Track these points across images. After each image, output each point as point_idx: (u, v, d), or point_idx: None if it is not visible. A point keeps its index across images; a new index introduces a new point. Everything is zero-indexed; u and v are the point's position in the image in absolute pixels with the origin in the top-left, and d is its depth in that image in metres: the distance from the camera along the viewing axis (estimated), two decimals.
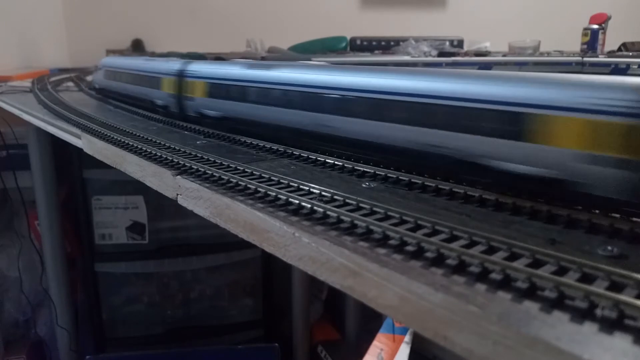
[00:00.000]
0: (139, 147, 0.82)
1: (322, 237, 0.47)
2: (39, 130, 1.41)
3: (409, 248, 0.43)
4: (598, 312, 0.33)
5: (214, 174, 0.66)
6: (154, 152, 0.79)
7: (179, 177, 0.69)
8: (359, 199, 0.54)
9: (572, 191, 0.47)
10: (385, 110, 0.64)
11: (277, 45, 2.68)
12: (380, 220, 0.49)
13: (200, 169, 0.68)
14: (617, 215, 0.48)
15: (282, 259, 0.52)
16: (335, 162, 0.71)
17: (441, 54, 2.24)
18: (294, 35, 2.78)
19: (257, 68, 0.88)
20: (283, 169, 0.71)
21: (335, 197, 0.55)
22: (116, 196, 1.75)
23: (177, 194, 0.69)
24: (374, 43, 2.81)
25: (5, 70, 2.25)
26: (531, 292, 0.36)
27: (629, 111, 0.43)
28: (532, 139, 0.49)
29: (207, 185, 0.64)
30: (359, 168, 0.68)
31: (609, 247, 0.42)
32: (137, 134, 0.93)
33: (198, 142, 0.90)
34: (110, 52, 2.86)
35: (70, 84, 2.00)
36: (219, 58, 2.01)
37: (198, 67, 1.02)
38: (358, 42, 2.84)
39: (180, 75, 1.05)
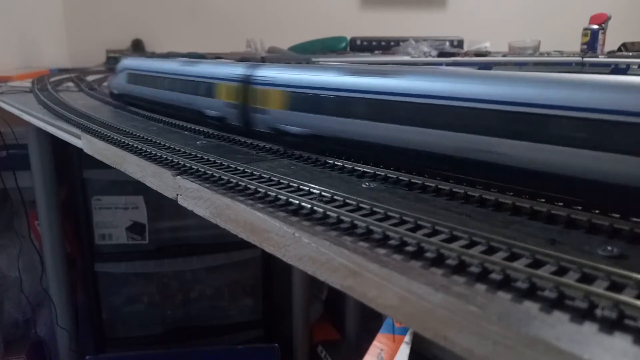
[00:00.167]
0: (139, 147, 0.82)
1: (322, 237, 0.47)
2: (39, 130, 1.41)
3: (409, 248, 0.43)
4: (598, 312, 0.33)
5: (214, 174, 0.66)
6: (154, 152, 0.79)
7: (179, 177, 0.69)
8: (359, 199, 0.54)
9: None
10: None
11: (277, 45, 2.68)
12: (380, 220, 0.49)
13: (200, 169, 0.68)
14: (617, 216, 0.48)
15: (282, 259, 0.52)
16: (335, 162, 0.71)
17: (441, 54, 2.24)
18: (294, 35, 2.79)
19: (370, 75, 0.69)
20: (283, 169, 0.71)
21: (335, 197, 0.55)
22: (116, 196, 1.75)
23: (177, 194, 0.69)
24: (374, 43, 2.81)
25: (5, 70, 2.25)
26: (531, 292, 0.36)
27: None
28: None
29: (207, 185, 0.64)
30: (359, 168, 0.68)
31: (609, 247, 0.42)
32: (137, 134, 0.93)
33: (198, 142, 0.90)
34: (110, 52, 2.86)
35: (71, 84, 2.00)
36: (218, 58, 2.01)
37: (272, 73, 0.83)
38: (358, 42, 2.84)
39: (246, 81, 0.87)
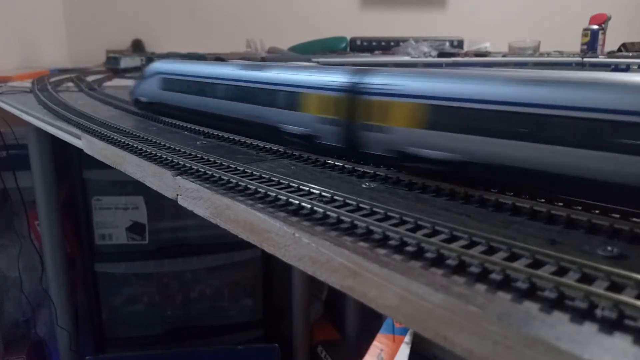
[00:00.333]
0: (139, 147, 0.82)
1: (322, 237, 0.47)
2: (39, 130, 1.41)
3: (409, 248, 0.43)
4: (598, 312, 0.33)
5: (214, 174, 0.66)
6: (154, 152, 0.79)
7: (179, 177, 0.69)
8: (359, 199, 0.54)
9: None
10: None
11: (277, 45, 2.68)
12: (380, 220, 0.49)
13: (200, 169, 0.68)
14: (617, 216, 0.48)
15: (282, 259, 0.52)
16: (336, 163, 0.71)
17: (441, 54, 2.25)
18: (294, 35, 2.79)
19: (571, 85, 0.50)
20: (283, 169, 0.71)
21: (335, 197, 0.55)
22: (116, 196, 1.75)
23: (177, 195, 0.69)
24: (374, 43, 2.81)
25: (5, 71, 2.25)
26: (531, 293, 0.36)
27: None
28: None
29: (207, 185, 0.64)
30: (359, 168, 0.68)
31: (609, 248, 0.42)
32: (137, 134, 0.93)
33: (198, 143, 0.90)
34: (110, 52, 2.86)
35: (71, 84, 2.00)
36: (218, 58, 2.01)
37: (397, 80, 0.64)
38: (358, 42, 2.85)
39: (353, 90, 0.69)
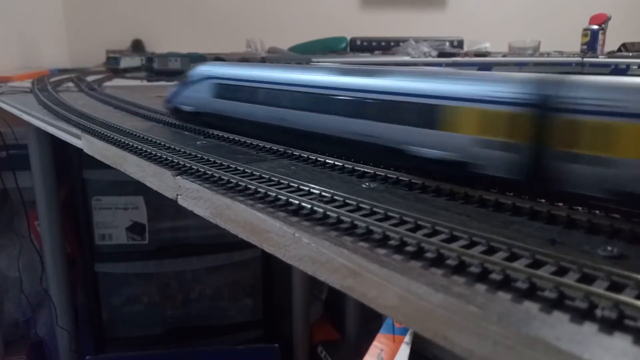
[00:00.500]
0: (139, 147, 0.82)
1: (322, 237, 0.47)
2: (39, 130, 1.41)
3: (409, 248, 0.43)
4: (598, 312, 0.33)
5: (214, 174, 0.66)
6: (154, 152, 0.79)
7: (179, 177, 0.69)
8: (359, 199, 0.54)
9: None
10: None
11: (277, 45, 2.68)
12: (380, 220, 0.49)
13: (200, 169, 0.68)
14: (617, 216, 0.48)
15: (282, 259, 0.52)
16: (336, 163, 0.71)
17: (441, 54, 2.25)
18: (294, 35, 2.79)
19: None
20: (283, 169, 0.71)
21: (335, 197, 0.55)
22: (116, 196, 1.75)
23: (177, 195, 0.69)
24: (374, 43, 2.82)
25: (5, 71, 2.25)
26: (531, 293, 0.36)
27: None
28: None
29: (207, 185, 0.64)
30: (359, 168, 0.68)
31: (609, 248, 0.42)
32: (137, 134, 0.93)
33: (198, 143, 0.90)
34: (110, 52, 2.87)
35: (71, 84, 2.00)
36: (218, 59, 2.01)
37: (621, 96, 0.46)
38: (358, 42, 2.85)
39: (546, 107, 0.50)
